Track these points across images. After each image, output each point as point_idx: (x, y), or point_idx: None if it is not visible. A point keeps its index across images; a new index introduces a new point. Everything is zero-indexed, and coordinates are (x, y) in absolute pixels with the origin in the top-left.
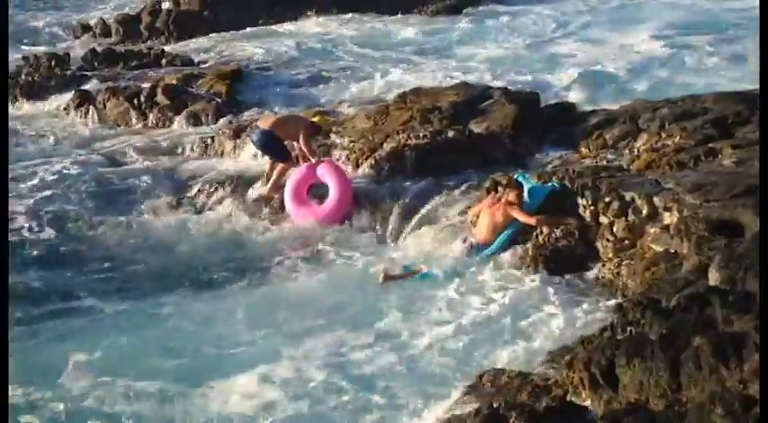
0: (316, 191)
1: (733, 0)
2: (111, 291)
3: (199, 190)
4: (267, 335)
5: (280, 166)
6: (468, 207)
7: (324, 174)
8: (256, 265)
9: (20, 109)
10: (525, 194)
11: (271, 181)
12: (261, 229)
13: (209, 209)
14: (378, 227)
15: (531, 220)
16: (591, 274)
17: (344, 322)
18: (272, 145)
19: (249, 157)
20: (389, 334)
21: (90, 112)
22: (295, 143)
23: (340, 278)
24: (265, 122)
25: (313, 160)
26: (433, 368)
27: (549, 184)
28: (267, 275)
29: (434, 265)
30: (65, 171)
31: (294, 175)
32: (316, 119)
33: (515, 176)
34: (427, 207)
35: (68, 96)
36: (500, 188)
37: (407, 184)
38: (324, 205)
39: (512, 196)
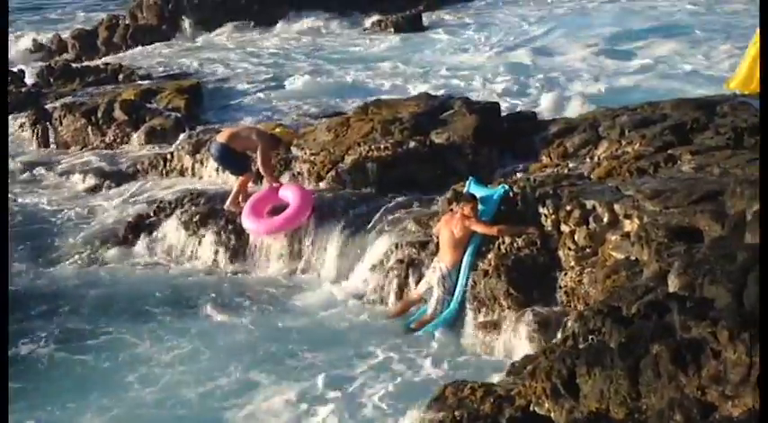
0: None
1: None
2: (48, 337)
3: (156, 209)
4: (207, 386)
5: (240, 179)
6: (429, 217)
7: (285, 194)
8: (201, 304)
9: None
10: (479, 204)
11: (231, 195)
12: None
13: (161, 236)
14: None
15: (493, 231)
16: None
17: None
18: (229, 158)
19: (209, 174)
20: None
21: (46, 130)
22: (253, 154)
23: (293, 315)
24: (222, 136)
25: (274, 184)
26: (401, 387)
27: (499, 188)
28: (209, 315)
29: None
30: None
31: (255, 196)
32: (277, 131)
33: (466, 185)
34: (388, 218)
35: (23, 116)
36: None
37: (368, 196)
38: (279, 215)
39: (466, 210)
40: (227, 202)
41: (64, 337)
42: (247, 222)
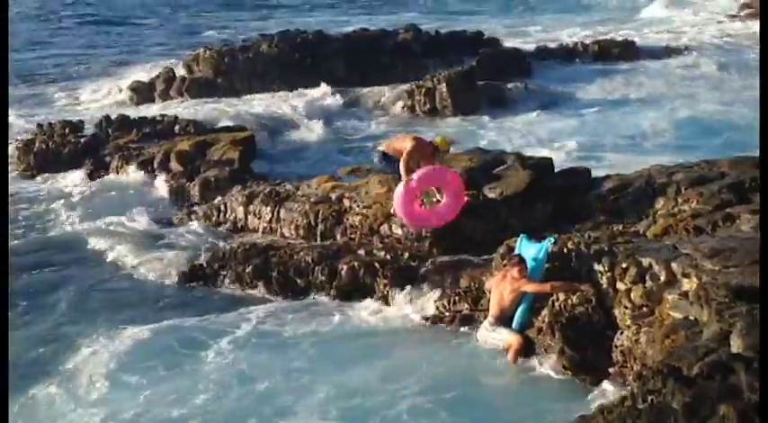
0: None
1: None
2: None
3: (210, 259)
4: None
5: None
6: (482, 274)
7: (432, 181)
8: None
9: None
10: (529, 261)
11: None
12: None
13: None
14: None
15: (546, 288)
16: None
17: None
18: (387, 161)
19: (264, 226)
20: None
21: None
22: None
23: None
24: (383, 145)
25: (405, 178)
26: None
27: (546, 242)
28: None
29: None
30: None
31: (399, 191)
32: (437, 140)
33: (517, 243)
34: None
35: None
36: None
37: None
38: (438, 207)
39: (514, 272)
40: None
41: None
42: (405, 218)
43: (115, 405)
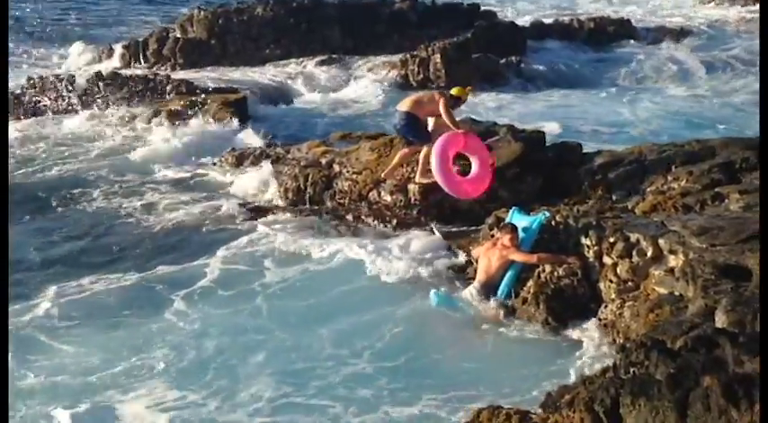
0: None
1: None
2: None
3: None
4: None
5: (424, 149)
6: (470, 243)
7: (470, 147)
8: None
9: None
10: (520, 232)
11: (419, 167)
12: None
13: None
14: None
15: (532, 259)
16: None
17: None
18: (413, 127)
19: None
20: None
21: None
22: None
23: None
24: (404, 104)
25: (460, 131)
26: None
27: (540, 215)
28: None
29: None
30: None
31: (443, 140)
32: (454, 91)
33: (509, 215)
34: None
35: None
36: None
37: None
38: (470, 179)
39: (506, 240)
40: (418, 176)
41: None
42: (440, 175)
43: (57, 360)
